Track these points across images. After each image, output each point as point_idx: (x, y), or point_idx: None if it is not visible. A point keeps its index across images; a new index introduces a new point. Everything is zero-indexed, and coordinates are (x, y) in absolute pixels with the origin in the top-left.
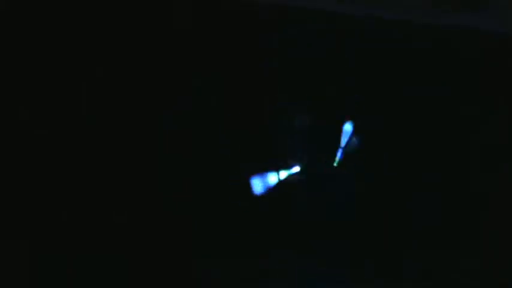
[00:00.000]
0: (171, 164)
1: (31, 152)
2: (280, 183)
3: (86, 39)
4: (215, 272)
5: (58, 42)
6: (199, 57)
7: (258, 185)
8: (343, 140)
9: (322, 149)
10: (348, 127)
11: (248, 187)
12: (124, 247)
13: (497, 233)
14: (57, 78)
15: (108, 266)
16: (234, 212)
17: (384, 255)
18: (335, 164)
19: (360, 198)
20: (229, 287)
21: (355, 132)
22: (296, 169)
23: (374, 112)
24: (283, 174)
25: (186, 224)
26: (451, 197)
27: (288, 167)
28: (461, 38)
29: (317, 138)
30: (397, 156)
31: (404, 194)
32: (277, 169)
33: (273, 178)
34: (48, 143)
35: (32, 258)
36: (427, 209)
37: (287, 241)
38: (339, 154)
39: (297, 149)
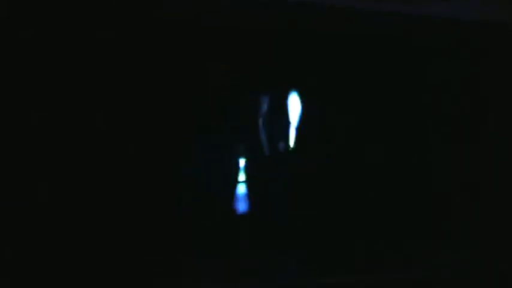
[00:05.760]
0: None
1: (29, 151)
2: None
3: (84, 39)
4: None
5: (56, 42)
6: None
7: None
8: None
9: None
10: None
11: None
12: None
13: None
14: (52, 78)
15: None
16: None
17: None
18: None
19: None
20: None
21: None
22: None
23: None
24: None
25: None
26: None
27: None
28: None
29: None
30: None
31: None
32: None
33: None
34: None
35: (31, 257)
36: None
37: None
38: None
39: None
